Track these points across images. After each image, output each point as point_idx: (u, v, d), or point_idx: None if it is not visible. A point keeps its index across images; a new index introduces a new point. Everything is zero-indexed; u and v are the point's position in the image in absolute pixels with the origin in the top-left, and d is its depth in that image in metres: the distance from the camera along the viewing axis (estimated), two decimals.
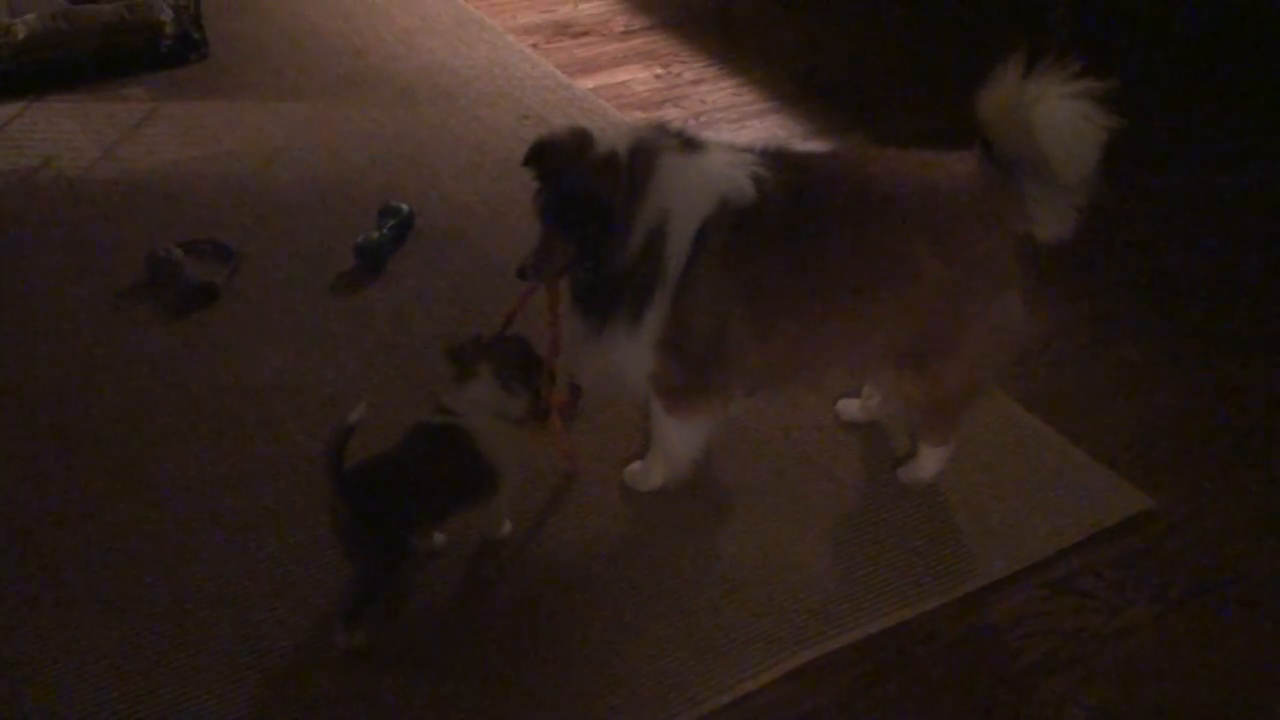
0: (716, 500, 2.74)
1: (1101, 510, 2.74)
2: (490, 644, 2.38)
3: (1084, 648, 2.45)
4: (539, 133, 2.43)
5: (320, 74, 4.51)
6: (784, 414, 2.95)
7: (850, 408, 2.95)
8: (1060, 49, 2.30)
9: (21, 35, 4.17)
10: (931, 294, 2.40)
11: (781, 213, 2.32)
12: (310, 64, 4.57)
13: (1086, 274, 3.59)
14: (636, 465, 2.75)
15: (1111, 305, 3.48)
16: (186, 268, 3.31)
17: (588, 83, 4.56)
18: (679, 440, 2.63)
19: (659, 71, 4.70)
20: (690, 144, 2.37)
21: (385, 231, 3.47)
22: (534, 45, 4.84)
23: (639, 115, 4.31)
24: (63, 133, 4.05)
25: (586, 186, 2.28)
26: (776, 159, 2.39)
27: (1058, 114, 2.25)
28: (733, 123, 4.35)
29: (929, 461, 2.75)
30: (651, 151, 2.31)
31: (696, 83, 4.63)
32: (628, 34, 5.00)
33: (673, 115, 4.31)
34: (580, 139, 2.32)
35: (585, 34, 4.99)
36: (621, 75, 4.66)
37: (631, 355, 2.44)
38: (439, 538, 2.54)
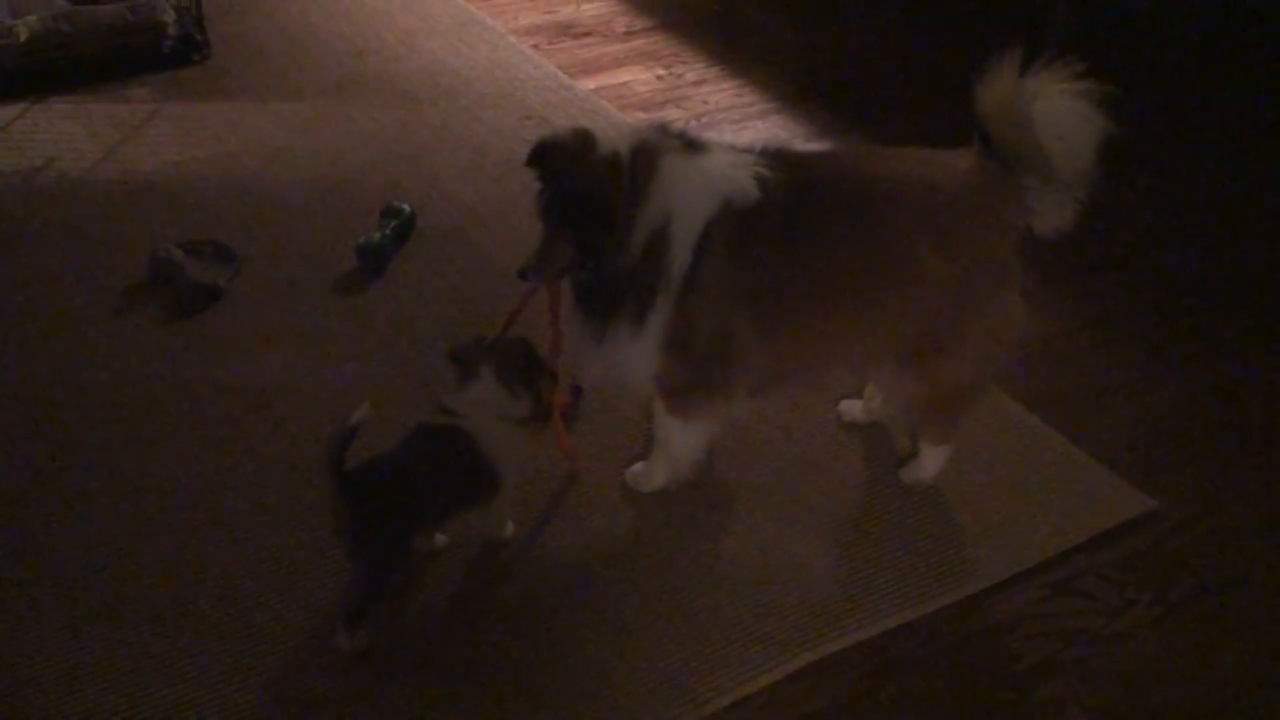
0: (718, 501, 2.74)
1: (1103, 511, 2.74)
2: (491, 644, 2.38)
3: (1085, 649, 2.45)
4: (541, 133, 2.43)
5: (322, 75, 4.51)
6: (785, 415, 2.95)
7: (852, 409, 2.95)
8: (1060, 49, 2.31)
9: (23, 36, 4.18)
10: (934, 291, 2.41)
11: (785, 212, 2.32)
12: (312, 65, 4.58)
13: (1087, 275, 3.59)
14: (638, 466, 2.75)
15: (1113, 306, 3.48)
16: (188, 268, 3.31)
17: (589, 83, 4.56)
18: (681, 441, 2.63)
19: (661, 72, 4.70)
20: (692, 145, 2.37)
21: (387, 232, 3.47)
22: (536, 46, 4.84)
23: (641, 116, 4.31)
24: (64, 133, 4.05)
25: (588, 187, 2.28)
26: (778, 159, 2.39)
27: (1057, 109, 2.26)
28: (734, 124, 4.35)
29: (930, 461, 2.75)
30: (654, 152, 2.31)
31: (698, 84, 4.64)
32: (629, 35, 5.00)
33: (674, 116, 4.31)
34: (583, 140, 2.32)
35: (587, 35, 4.99)
36: (623, 76, 4.66)
37: (634, 356, 2.44)
38: (440, 538, 2.54)
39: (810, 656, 2.38)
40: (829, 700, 2.32)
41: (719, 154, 2.38)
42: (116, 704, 2.23)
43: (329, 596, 2.44)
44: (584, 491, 2.74)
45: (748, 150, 2.42)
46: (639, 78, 4.66)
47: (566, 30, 5.02)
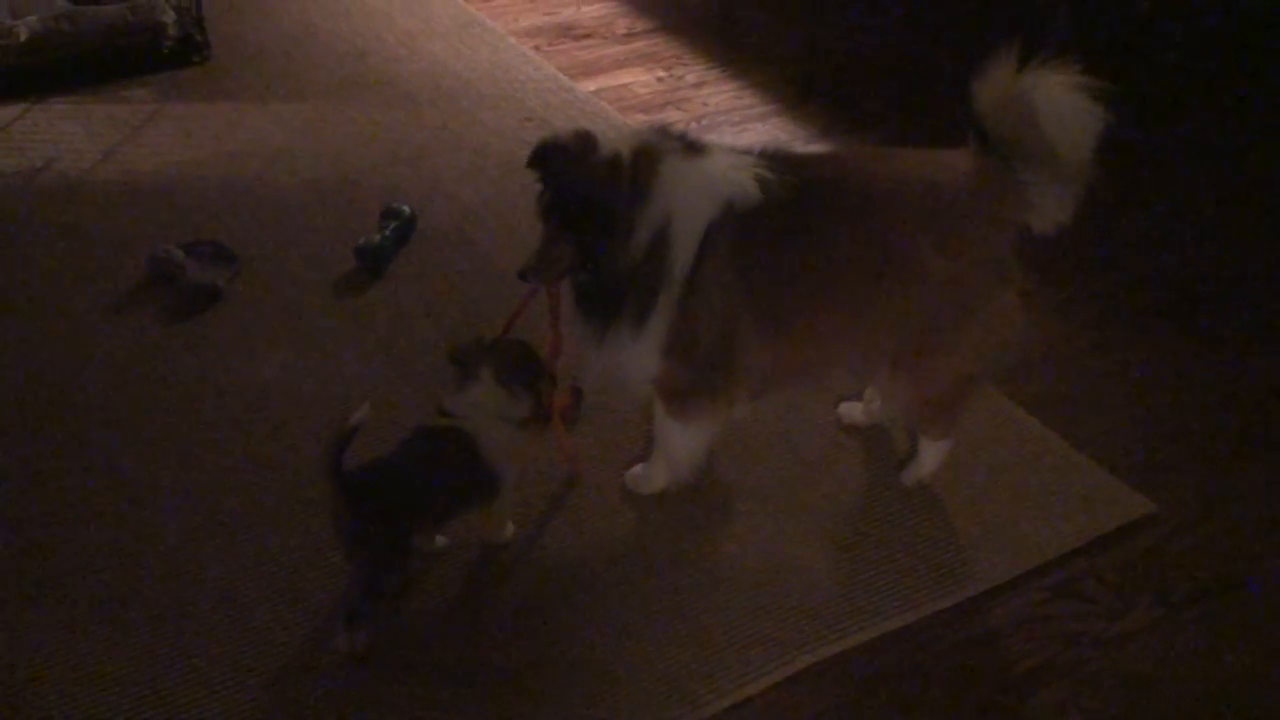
0: (718, 503, 2.74)
1: (1103, 514, 2.74)
2: (491, 646, 2.38)
3: (1084, 652, 2.45)
4: (541, 135, 2.43)
5: (322, 76, 4.51)
6: (785, 417, 2.95)
7: (852, 411, 2.95)
8: (1060, 50, 2.31)
9: (23, 36, 4.18)
10: (934, 291, 2.41)
11: (786, 214, 2.33)
12: (312, 66, 4.58)
13: (1087, 277, 3.59)
14: (638, 468, 2.75)
15: (1113, 308, 3.48)
16: (188, 269, 3.31)
17: (590, 85, 4.56)
18: (682, 443, 2.63)
19: (661, 74, 4.70)
20: (693, 147, 2.37)
21: (387, 234, 3.47)
22: (536, 48, 4.84)
23: (641, 118, 4.32)
24: (64, 134, 4.05)
25: (590, 189, 2.28)
26: (779, 161, 2.39)
27: (1058, 98, 2.27)
28: (734, 125, 4.36)
29: (929, 457, 2.75)
30: (655, 154, 2.31)
31: (698, 86, 4.64)
32: (630, 37, 5.01)
33: (674, 118, 4.31)
34: (584, 141, 2.32)
35: (587, 36, 4.99)
36: (623, 78, 4.66)
37: (635, 358, 2.44)
38: (441, 540, 2.54)
39: (810, 659, 2.38)
40: (829, 702, 2.32)
41: (720, 156, 2.38)
42: (117, 704, 2.23)
43: (329, 598, 2.44)
44: (584, 493, 2.74)
45: (748, 152, 2.42)
46: (639, 80, 4.66)
47: (567, 32, 5.02)
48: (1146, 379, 3.20)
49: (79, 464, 2.75)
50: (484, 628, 2.42)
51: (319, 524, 2.52)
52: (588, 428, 2.92)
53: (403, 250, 3.51)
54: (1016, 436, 2.95)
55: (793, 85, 4.64)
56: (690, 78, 4.69)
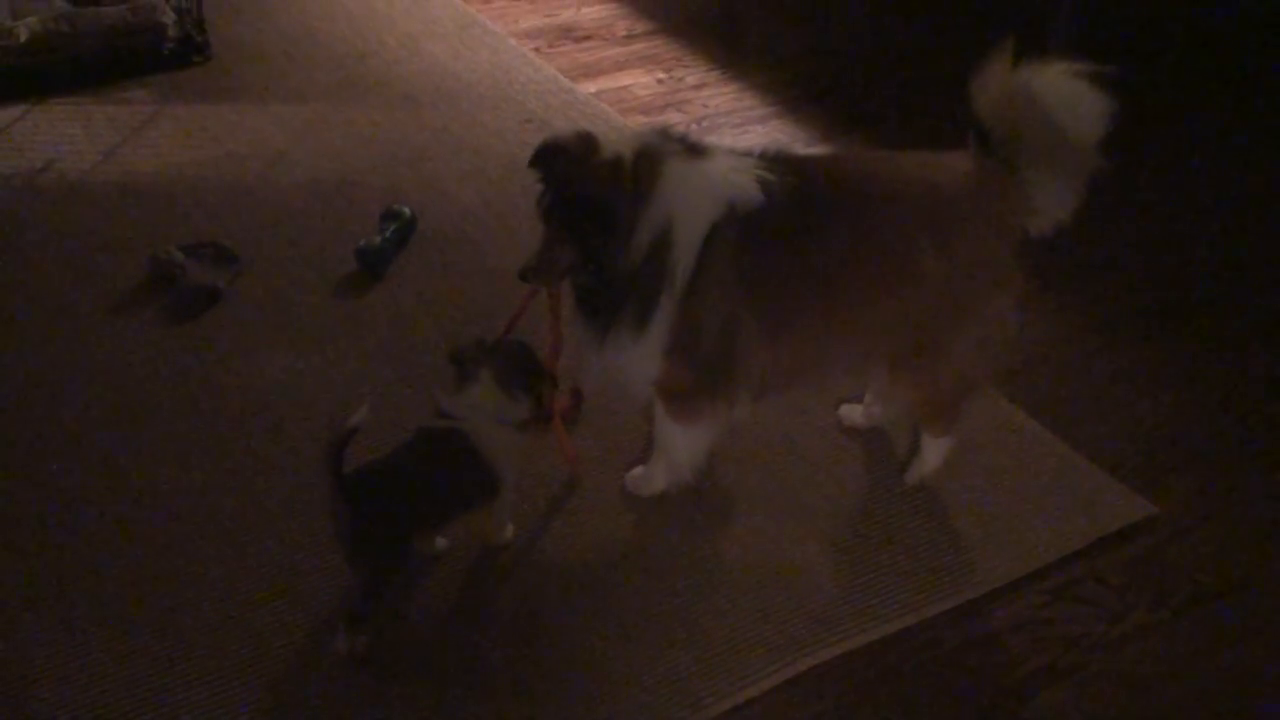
0: (718, 505, 2.74)
1: (1103, 516, 2.74)
2: (491, 648, 2.38)
3: (1085, 655, 2.45)
4: (542, 136, 2.43)
5: (322, 78, 4.51)
6: (786, 420, 2.95)
7: (853, 413, 2.95)
8: (1060, 50, 2.31)
9: (23, 37, 4.17)
10: (935, 292, 2.41)
11: (787, 216, 2.33)
12: (312, 67, 4.57)
13: (1088, 279, 3.59)
14: (639, 470, 2.75)
15: (1114, 311, 3.48)
16: (188, 270, 3.31)
17: (590, 87, 4.56)
18: (682, 445, 2.63)
19: (661, 76, 4.70)
20: (694, 149, 2.37)
21: (387, 235, 3.46)
22: (536, 49, 4.84)
23: (641, 120, 4.31)
24: (65, 135, 4.05)
25: (591, 190, 2.28)
26: (780, 163, 2.40)
27: (1060, 83, 2.27)
28: (735, 127, 4.35)
29: (931, 454, 2.75)
30: (656, 156, 2.31)
31: (699, 87, 4.64)
32: (630, 38, 5.00)
33: (675, 120, 4.31)
34: (586, 143, 2.32)
35: (587, 38, 4.99)
36: (624, 80, 4.66)
37: (636, 360, 2.44)
38: (440, 542, 2.54)
39: (810, 661, 2.38)
40: (829, 705, 2.32)
41: (721, 158, 2.38)
42: (117, 705, 2.23)
43: (329, 599, 2.44)
44: (584, 495, 2.74)
45: (749, 154, 2.42)
46: (640, 81, 4.66)
47: (567, 34, 5.02)
48: (1147, 381, 3.21)
49: (79, 465, 2.75)
50: (484, 629, 2.42)
51: (319, 525, 2.51)
52: (588, 429, 2.92)
53: (403, 252, 3.51)
54: (1017, 439, 2.95)
55: (793, 87, 4.64)
56: (690, 79, 4.69)
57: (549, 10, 5.22)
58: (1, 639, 2.34)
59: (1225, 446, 3.00)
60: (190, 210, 3.69)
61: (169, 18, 4.41)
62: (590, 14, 5.20)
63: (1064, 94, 2.27)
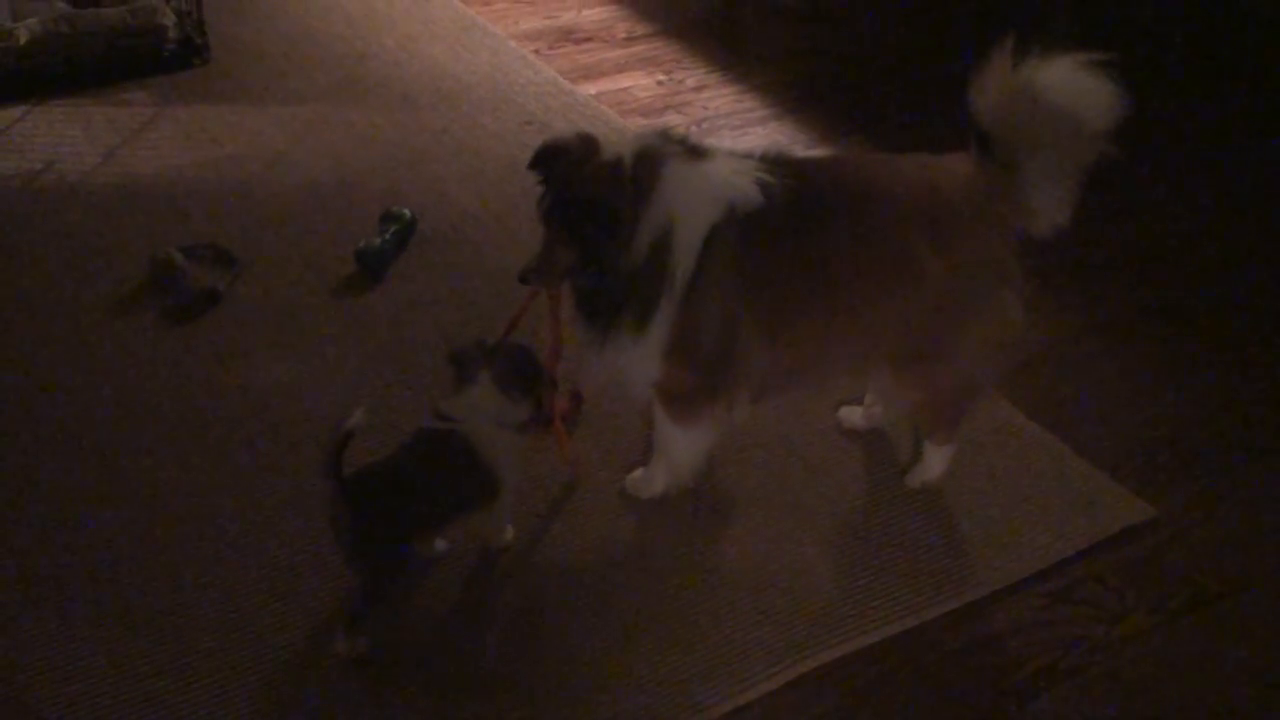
0: (718, 507, 2.74)
1: (1103, 519, 2.74)
2: (491, 650, 2.38)
3: (1085, 657, 2.44)
4: (542, 138, 2.43)
5: (322, 79, 4.51)
6: (786, 421, 2.95)
7: (852, 415, 2.95)
8: (1060, 49, 2.30)
9: (23, 39, 4.18)
10: (934, 294, 2.41)
11: (787, 217, 2.33)
12: (312, 69, 4.58)
13: (1088, 281, 3.59)
14: (638, 472, 2.75)
15: (1113, 313, 3.48)
16: (188, 272, 3.31)
17: (590, 89, 4.56)
18: (682, 447, 2.62)
19: (661, 78, 4.71)
20: (695, 151, 2.37)
21: (387, 237, 3.46)
22: (536, 51, 4.84)
23: (641, 122, 4.32)
24: (64, 136, 4.05)
25: (591, 191, 2.28)
26: (780, 165, 2.39)
27: (1063, 74, 2.25)
28: (734, 129, 4.36)
29: (934, 461, 2.75)
30: (657, 158, 2.31)
31: (698, 89, 4.64)
32: (630, 40, 5.01)
33: (675, 121, 4.31)
34: (586, 144, 2.32)
35: (588, 40, 4.99)
36: (624, 81, 4.67)
37: (636, 362, 2.44)
38: (440, 544, 2.54)
39: (810, 663, 2.38)
40: (829, 707, 2.31)
41: (721, 160, 2.38)
42: (116, 707, 2.22)
43: (329, 601, 2.44)
44: (584, 497, 2.74)
45: (749, 156, 2.42)
46: (639, 83, 4.66)
47: (567, 35, 5.02)
48: (1147, 383, 3.20)
49: (78, 465, 2.75)
50: (483, 631, 2.42)
51: (319, 527, 2.51)
52: (588, 431, 2.92)
53: (403, 253, 3.51)
54: (1017, 441, 2.95)
55: (793, 88, 4.65)
56: (690, 81, 4.69)
57: (549, 12, 5.22)
58: (1, 638, 2.34)
59: (1225, 448, 3.00)
60: (190, 212, 3.69)
61: (169, 20, 4.41)
62: (590, 16, 5.21)
63: (1070, 85, 2.25)
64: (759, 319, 2.41)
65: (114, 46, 4.33)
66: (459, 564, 2.55)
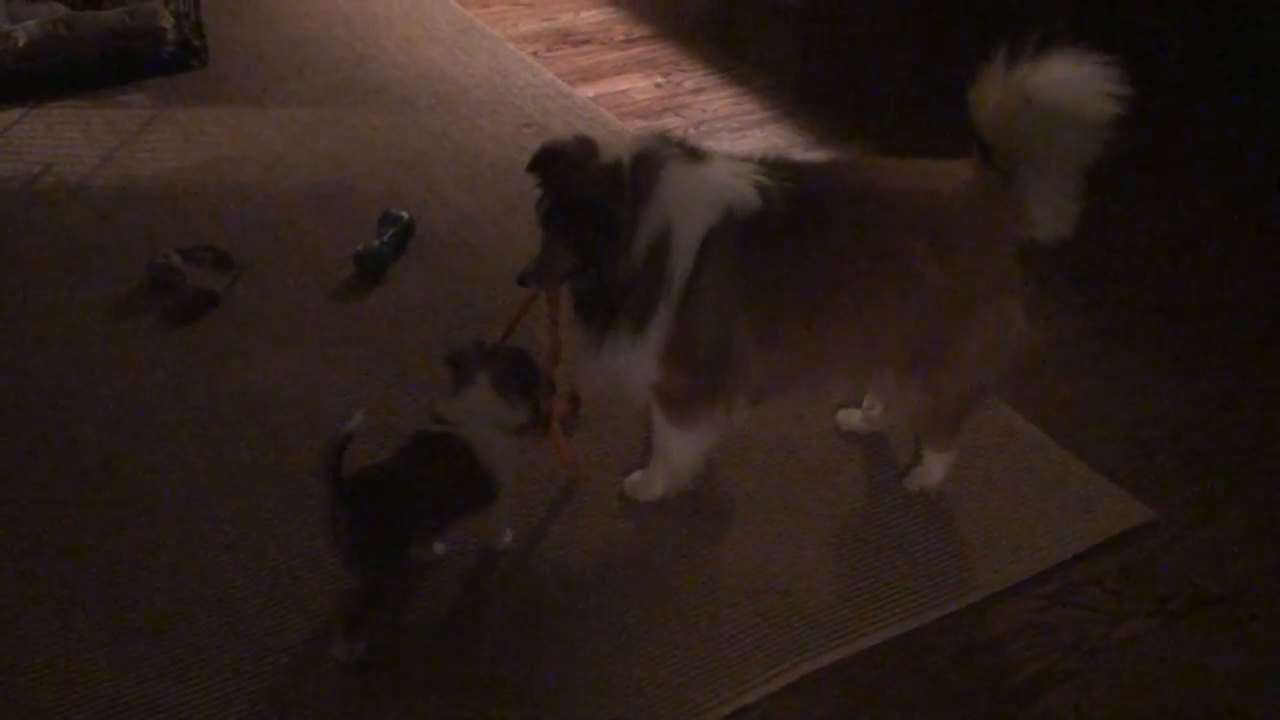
0: (717, 510, 2.74)
1: (1102, 521, 2.74)
2: (489, 653, 2.38)
3: (1084, 659, 2.45)
4: (540, 141, 2.43)
5: (321, 81, 4.51)
6: (784, 424, 2.95)
7: (851, 418, 2.95)
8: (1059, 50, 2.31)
9: (22, 41, 4.17)
10: (933, 300, 2.41)
11: (785, 221, 2.32)
12: (311, 71, 4.58)
13: (1087, 285, 3.59)
14: (637, 475, 2.75)
15: (1112, 316, 3.48)
16: (186, 275, 3.31)
17: (588, 91, 4.56)
18: (680, 450, 2.62)
19: (659, 80, 4.71)
20: (693, 153, 2.37)
21: (385, 239, 3.46)
22: (534, 53, 4.84)
23: (639, 124, 4.32)
24: (63, 139, 4.05)
25: (590, 193, 2.28)
26: (779, 168, 2.39)
27: (1059, 72, 2.25)
28: (733, 132, 4.36)
29: (935, 467, 2.75)
30: (655, 161, 2.31)
31: (697, 91, 4.64)
32: (628, 42, 5.01)
33: (673, 124, 4.31)
34: (585, 147, 2.32)
35: (586, 42, 4.99)
36: (622, 84, 4.67)
37: (634, 364, 2.43)
38: (439, 547, 2.54)
39: (810, 666, 2.38)
40: (828, 710, 2.31)
41: (720, 163, 2.38)
42: (114, 710, 2.22)
43: (327, 604, 2.43)
44: (582, 500, 2.73)
45: (748, 159, 2.42)
46: (638, 85, 4.66)
47: (565, 38, 5.02)
48: (1146, 386, 3.21)
49: (77, 469, 2.75)
50: (482, 635, 2.42)
51: (317, 530, 2.51)
52: (586, 434, 2.91)
53: (401, 256, 3.51)
54: (1017, 443, 2.95)
55: (791, 91, 4.65)
56: (689, 84, 4.70)
57: (547, 14, 5.23)
58: (1, 642, 2.34)
59: (1224, 451, 3.00)
60: (188, 214, 3.69)
61: (167, 22, 4.41)
62: (588, 18, 5.21)
63: (1063, 82, 2.25)
64: (756, 322, 2.40)
65: (112, 49, 4.33)
66: (458, 567, 2.55)
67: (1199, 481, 2.90)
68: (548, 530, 2.66)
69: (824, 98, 4.65)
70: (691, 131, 4.27)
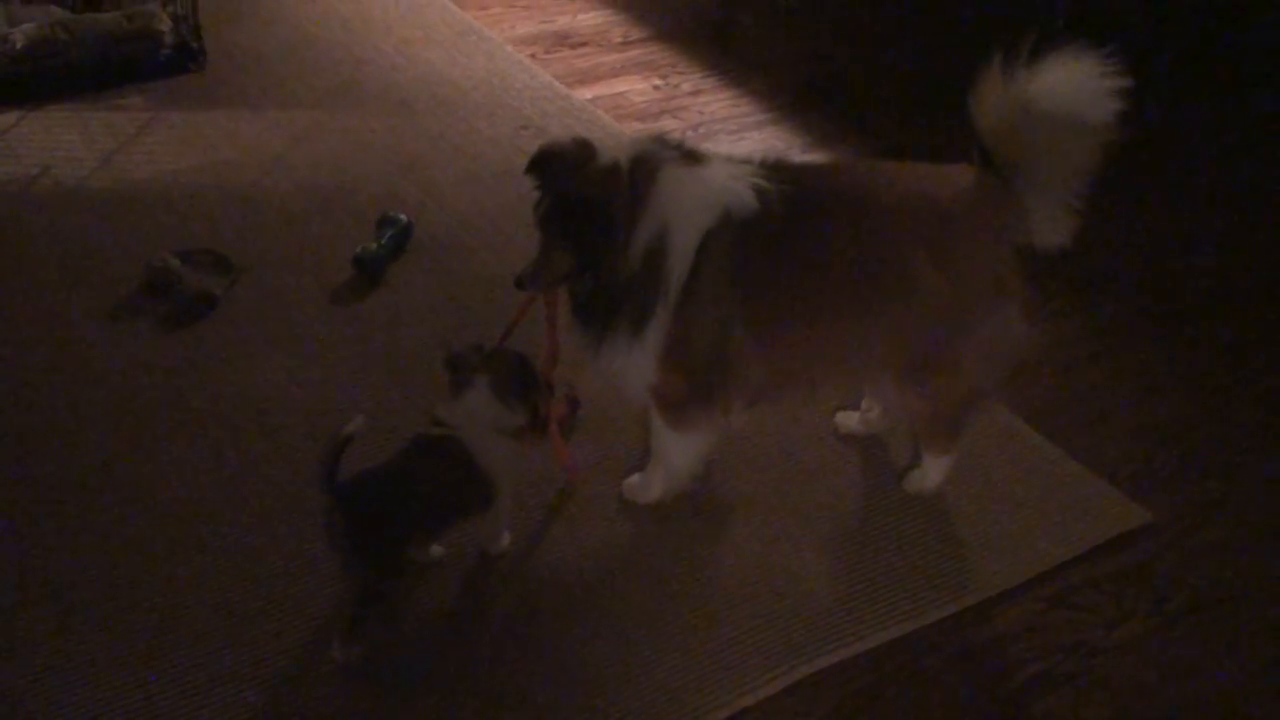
0: (715, 513, 2.73)
1: (1101, 524, 2.74)
2: (488, 656, 2.37)
3: (1083, 662, 2.44)
4: (538, 143, 2.43)
5: (319, 84, 4.51)
6: (782, 426, 2.95)
7: (849, 420, 2.95)
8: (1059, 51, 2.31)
9: (20, 44, 4.17)
10: (932, 305, 2.40)
11: (783, 224, 2.32)
12: (309, 74, 4.58)
13: (1086, 288, 3.59)
14: (635, 477, 2.75)
15: (1111, 319, 3.48)
16: (184, 277, 3.30)
17: (586, 93, 4.56)
18: (679, 452, 2.62)
19: (657, 82, 4.71)
20: (691, 156, 2.37)
21: (384, 242, 3.46)
22: (532, 56, 4.84)
23: (637, 126, 4.32)
24: (60, 141, 4.04)
25: (587, 196, 2.28)
26: (777, 170, 2.39)
27: (1051, 75, 2.25)
28: (731, 134, 4.36)
29: (934, 471, 2.75)
30: (653, 163, 2.31)
31: (695, 94, 4.64)
32: (626, 45, 5.01)
33: (671, 126, 4.32)
34: (583, 149, 2.32)
35: (584, 44, 5.00)
36: (620, 86, 4.67)
37: (632, 367, 2.43)
38: (437, 550, 2.53)
39: (808, 669, 2.38)
40: (827, 712, 2.31)
41: (718, 165, 2.38)
42: (114, 711, 2.22)
43: (325, 607, 2.43)
44: (580, 502, 2.73)
45: (746, 161, 2.42)
46: (635, 88, 4.66)
47: (563, 40, 5.02)
48: (1144, 388, 3.21)
49: (75, 472, 2.74)
50: (480, 638, 2.41)
51: (315, 533, 2.50)
52: (584, 437, 2.91)
53: (399, 258, 3.51)
54: (1015, 446, 2.95)
55: (789, 93, 4.65)
56: (686, 86, 4.70)
57: (545, 17, 5.23)
58: (1, 642, 2.33)
59: (1222, 453, 3.00)
60: (186, 217, 3.69)
61: (165, 25, 4.41)
62: (586, 20, 5.21)
63: (1061, 84, 2.24)
64: (754, 324, 2.40)
65: (110, 51, 4.33)
66: (455, 570, 2.55)
67: (1197, 483, 2.90)
68: (545, 533, 2.65)
69: (822, 100, 4.65)
70: (689, 133, 4.28)
